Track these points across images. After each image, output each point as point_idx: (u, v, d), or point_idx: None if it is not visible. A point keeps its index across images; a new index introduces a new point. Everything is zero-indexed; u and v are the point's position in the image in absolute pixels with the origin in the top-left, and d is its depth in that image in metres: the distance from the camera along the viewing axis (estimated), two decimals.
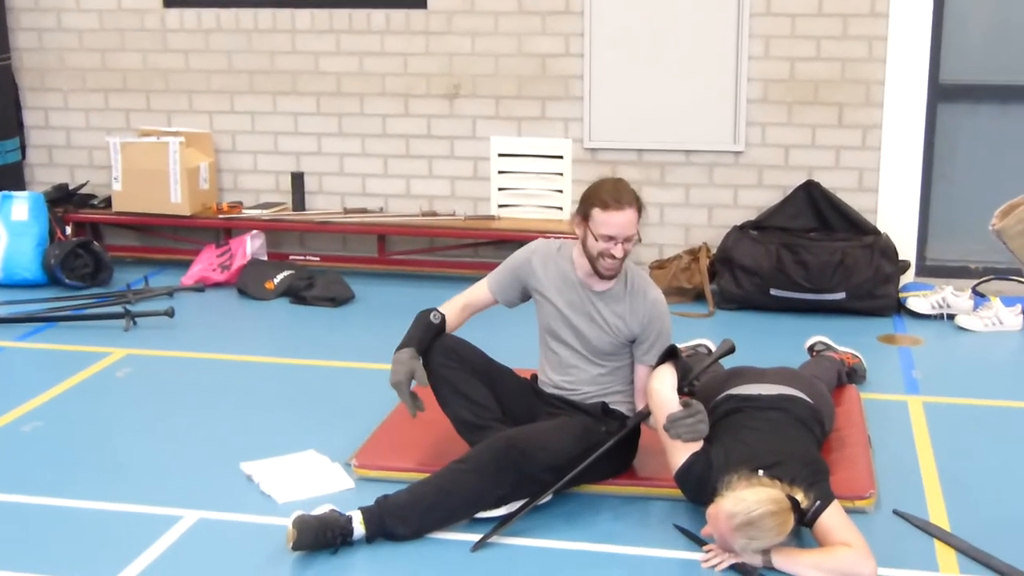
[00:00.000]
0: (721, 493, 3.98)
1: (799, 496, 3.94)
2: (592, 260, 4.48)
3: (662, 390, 4.35)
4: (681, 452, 4.26)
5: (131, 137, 7.92)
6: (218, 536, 4.26)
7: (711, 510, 3.99)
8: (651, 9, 7.32)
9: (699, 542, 4.13)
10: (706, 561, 4.01)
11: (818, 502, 3.98)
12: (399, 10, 7.65)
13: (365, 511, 4.15)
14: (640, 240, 4.52)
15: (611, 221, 4.41)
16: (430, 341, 4.58)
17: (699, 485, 4.22)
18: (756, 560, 3.93)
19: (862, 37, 7.15)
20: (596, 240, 4.43)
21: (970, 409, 5.52)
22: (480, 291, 4.80)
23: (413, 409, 4.53)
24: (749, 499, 3.86)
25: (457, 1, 7.57)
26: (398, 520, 4.15)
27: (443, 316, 4.66)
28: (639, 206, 4.46)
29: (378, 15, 7.69)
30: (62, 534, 4.27)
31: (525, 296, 4.77)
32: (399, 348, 4.56)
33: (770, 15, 7.21)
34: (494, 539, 4.17)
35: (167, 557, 4.09)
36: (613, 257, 4.43)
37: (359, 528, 4.11)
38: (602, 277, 4.52)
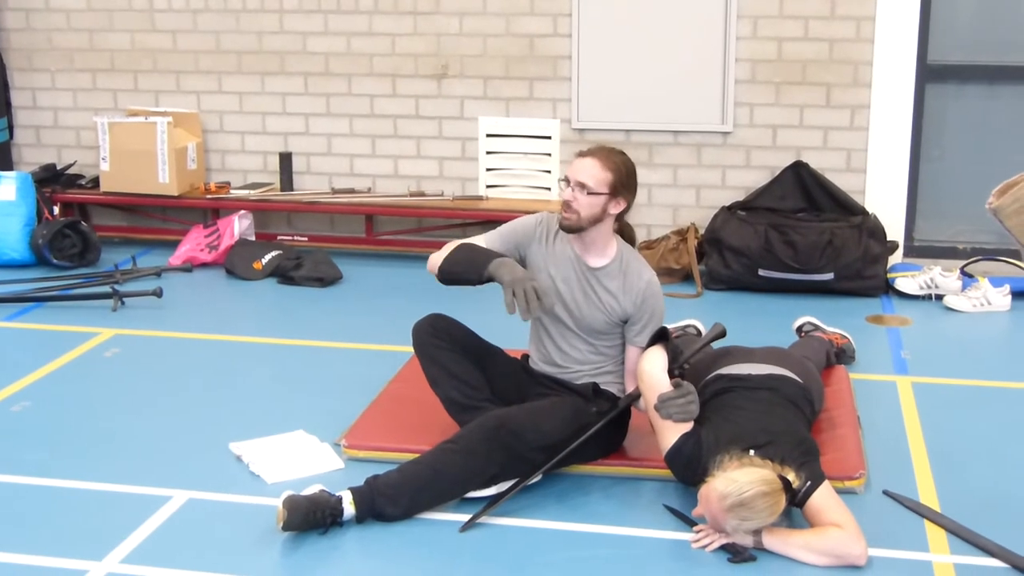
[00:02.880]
0: (713, 473, 3.98)
1: (790, 476, 3.95)
2: None
3: (653, 371, 4.35)
4: (671, 433, 4.26)
5: (119, 117, 7.89)
6: (207, 516, 4.26)
7: (702, 491, 3.99)
8: None
9: (689, 522, 4.14)
10: (696, 541, 4.01)
11: (809, 482, 3.98)
12: None
13: (355, 491, 4.14)
14: (616, 212, 4.48)
15: (571, 165, 4.48)
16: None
17: (689, 465, 4.22)
18: (747, 541, 3.94)
19: (850, 17, 7.14)
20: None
21: (959, 389, 5.54)
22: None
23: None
24: (741, 480, 3.86)
25: None
26: (388, 500, 4.14)
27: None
28: (614, 171, 4.41)
29: None
30: (51, 514, 4.27)
31: (519, 263, 4.59)
32: (490, 265, 4.39)
33: None
34: (484, 519, 4.17)
35: (156, 537, 4.09)
36: (566, 203, 4.42)
37: (349, 508, 4.11)
38: (561, 227, 4.51)
